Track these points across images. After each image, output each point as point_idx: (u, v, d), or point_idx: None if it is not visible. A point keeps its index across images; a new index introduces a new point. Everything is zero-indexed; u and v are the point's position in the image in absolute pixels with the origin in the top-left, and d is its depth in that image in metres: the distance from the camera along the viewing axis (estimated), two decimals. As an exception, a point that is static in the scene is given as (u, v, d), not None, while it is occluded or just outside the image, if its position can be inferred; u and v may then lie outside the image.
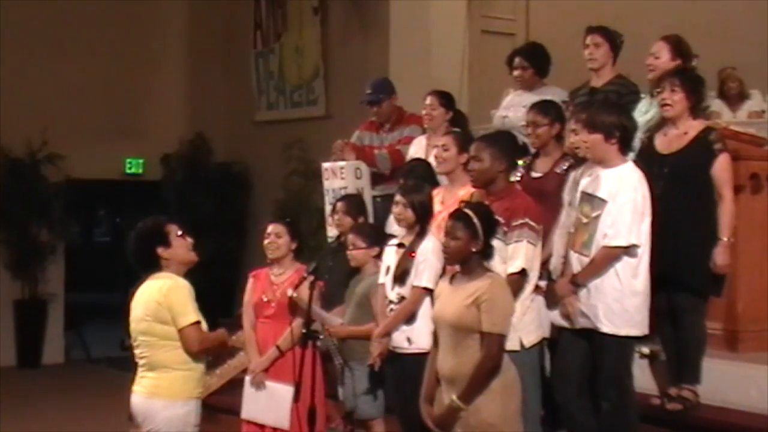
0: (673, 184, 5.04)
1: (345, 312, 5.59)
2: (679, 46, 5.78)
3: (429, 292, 4.99)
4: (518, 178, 5.46)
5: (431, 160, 5.92)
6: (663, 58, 5.75)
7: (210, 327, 4.77)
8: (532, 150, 5.71)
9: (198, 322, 4.64)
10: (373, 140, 7.19)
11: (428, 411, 4.52)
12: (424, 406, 4.54)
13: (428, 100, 6.57)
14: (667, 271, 4.96)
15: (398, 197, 5.27)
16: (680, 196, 5.04)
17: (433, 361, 4.53)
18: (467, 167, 5.18)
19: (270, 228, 5.77)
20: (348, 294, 5.61)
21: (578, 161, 5.16)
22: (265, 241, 5.75)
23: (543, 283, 5.00)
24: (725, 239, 5.10)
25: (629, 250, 4.64)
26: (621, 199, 4.66)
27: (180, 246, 4.76)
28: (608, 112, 4.86)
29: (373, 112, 7.18)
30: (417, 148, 6.63)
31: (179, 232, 4.77)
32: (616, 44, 5.98)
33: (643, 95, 5.83)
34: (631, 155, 5.25)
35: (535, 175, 5.53)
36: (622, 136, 4.77)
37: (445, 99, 6.60)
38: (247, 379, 5.77)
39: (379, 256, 5.45)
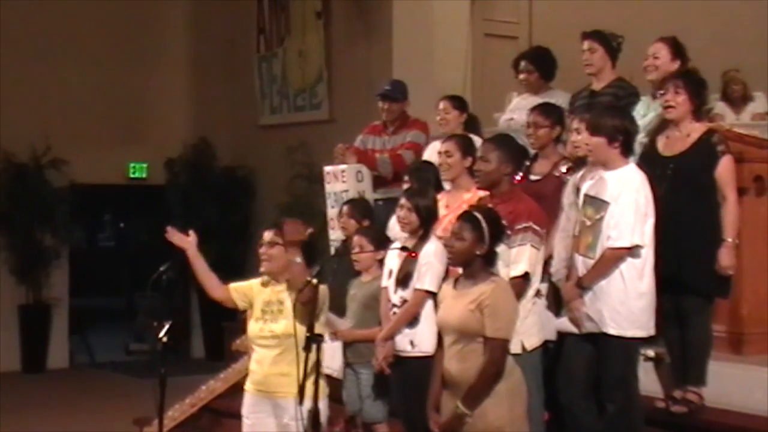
0: (677, 186, 5.04)
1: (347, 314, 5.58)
2: (677, 47, 5.79)
3: (431, 295, 4.98)
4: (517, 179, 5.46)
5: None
6: (663, 58, 5.76)
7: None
8: (531, 152, 5.72)
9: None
10: (376, 144, 7.17)
11: (435, 419, 4.48)
12: (431, 414, 4.51)
13: (441, 105, 6.55)
14: (672, 274, 4.96)
15: (403, 201, 5.25)
16: (683, 198, 5.04)
17: (439, 365, 4.51)
18: (473, 169, 5.18)
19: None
20: (348, 298, 5.60)
21: (577, 164, 5.16)
22: None
23: (544, 286, 5.00)
24: (730, 240, 5.08)
25: (633, 250, 4.65)
26: (623, 201, 4.66)
27: None
28: (612, 115, 4.86)
29: (383, 108, 7.14)
30: (430, 152, 6.60)
31: None
32: (611, 47, 5.99)
33: (642, 97, 5.83)
34: (633, 158, 5.26)
35: (533, 177, 5.53)
36: (624, 139, 4.77)
37: (458, 102, 6.60)
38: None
39: (382, 260, 5.44)
